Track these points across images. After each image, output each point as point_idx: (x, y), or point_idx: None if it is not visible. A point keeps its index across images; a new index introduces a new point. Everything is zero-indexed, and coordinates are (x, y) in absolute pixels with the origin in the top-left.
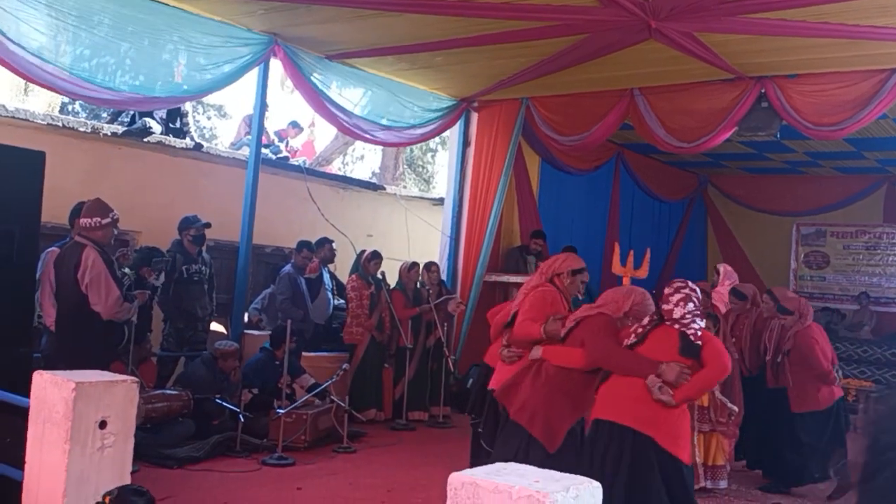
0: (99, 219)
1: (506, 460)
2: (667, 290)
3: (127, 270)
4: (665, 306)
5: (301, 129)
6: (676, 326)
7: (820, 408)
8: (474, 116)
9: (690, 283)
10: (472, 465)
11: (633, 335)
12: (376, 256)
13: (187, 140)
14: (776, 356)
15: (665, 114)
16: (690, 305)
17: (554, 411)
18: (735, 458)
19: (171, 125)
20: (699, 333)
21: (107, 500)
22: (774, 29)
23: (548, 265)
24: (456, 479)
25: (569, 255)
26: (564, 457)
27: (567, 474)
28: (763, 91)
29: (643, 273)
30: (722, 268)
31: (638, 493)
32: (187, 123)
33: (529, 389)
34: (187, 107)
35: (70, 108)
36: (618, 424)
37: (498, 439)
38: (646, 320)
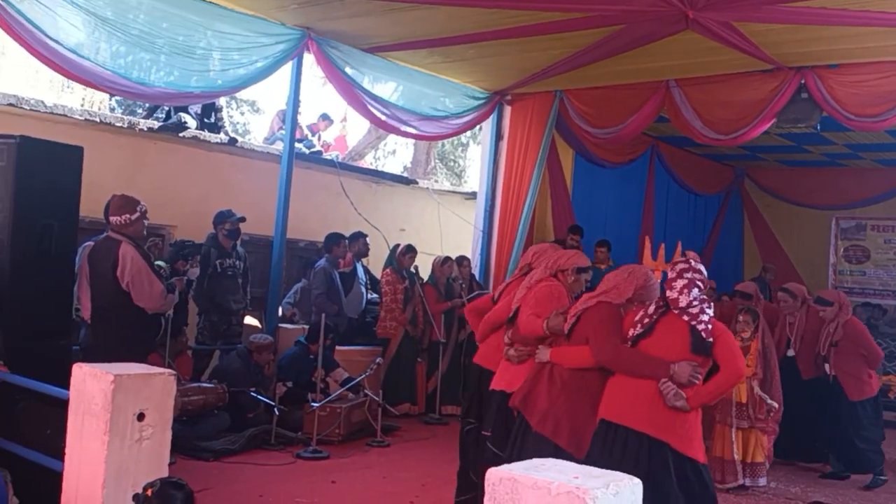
0: (128, 215)
1: None
2: (670, 274)
3: (161, 263)
4: (669, 294)
5: (331, 121)
6: (685, 318)
7: (873, 394)
8: (507, 110)
9: (693, 264)
10: (463, 467)
11: (638, 325)
12: (411, 250)
13: (222, 135)
14: (818, 348)
15: (702, 106)
16: (695, 291)
17: (577, 417)
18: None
19: (205, 120)
20: (710, 328)
21: (148, 492)
22: (815, 18)
23: (552, 259)
24: (494, 474)
25: (576, 252)
26: (594, 461)
27: (607, 471)
28: (803, 82)
29: None
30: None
31: (658, 500)
32: (222, 118)
33: (547, 398)
34: (221, 102)
35: (109, 103)
36: (632, 430)
37: (523, 451)
38: (651, 308)
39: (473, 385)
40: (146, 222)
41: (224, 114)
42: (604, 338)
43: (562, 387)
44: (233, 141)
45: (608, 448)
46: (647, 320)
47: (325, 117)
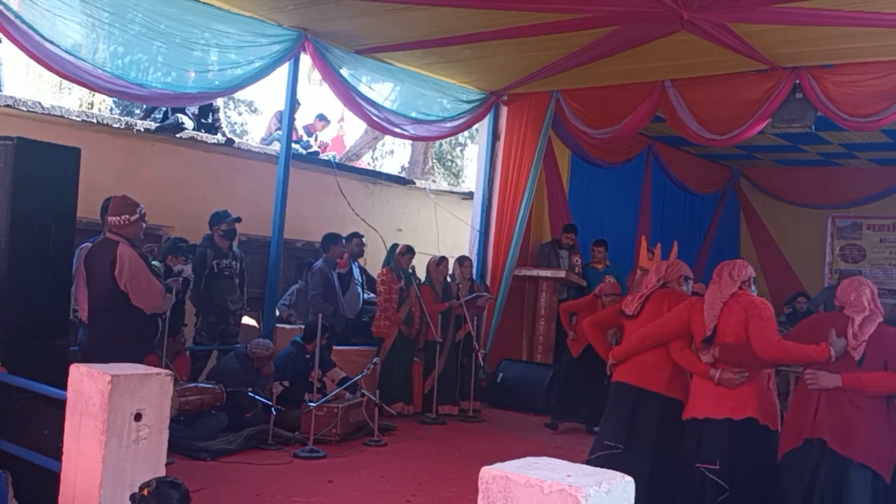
0: (127, 216)
1: None
2: None
3: (156, 263)
4: None
5: (328, 122)
6: None
7: None
8: (504, 110)
9: None
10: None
11: None
12: (410, 252)
13: (219, 136)
14: None
15: (697, 106)
16: None
17: (887, 441)
18: None
19: (203, 121)
20: None
21: (145, 492)
22: (809, 18)
23: (735, 271)
24: (487, 473)
25: (744, 262)
26: None
27: (599, 469)
28: (797, 82)
29: None
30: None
31: None
32: (219, 119)
33: (866, 429)
34: (218, 102)
35: (108, 104)
36: None
37: (843, 486)
38: None
39: (625, 406)
40: (144, 225)
41: (221, 114)
42: None
43: (872, 413)
44: (230, 142)
45: None
46: None
47: (321, 118)
